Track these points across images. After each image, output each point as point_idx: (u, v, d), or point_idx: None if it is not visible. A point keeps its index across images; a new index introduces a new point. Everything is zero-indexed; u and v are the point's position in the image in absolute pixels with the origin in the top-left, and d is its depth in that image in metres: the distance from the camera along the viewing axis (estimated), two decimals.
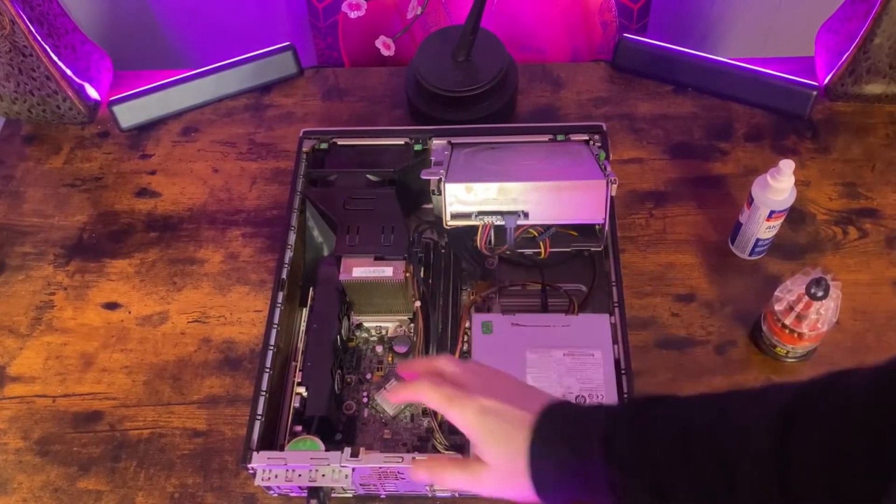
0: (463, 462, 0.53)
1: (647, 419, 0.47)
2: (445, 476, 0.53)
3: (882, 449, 0.36)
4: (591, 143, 0.83)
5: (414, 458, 0.65)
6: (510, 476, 0.49)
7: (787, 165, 0.76)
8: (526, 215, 0.74)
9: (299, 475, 0.65)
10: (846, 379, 0.41)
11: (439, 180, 0.74)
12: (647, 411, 0.47)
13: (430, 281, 0.81)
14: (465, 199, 0.74)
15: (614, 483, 0.45)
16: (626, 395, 0.68)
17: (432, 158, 0.80)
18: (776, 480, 0.40)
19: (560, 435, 0.48)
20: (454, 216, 0.75)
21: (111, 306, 0.88)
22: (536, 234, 0.78)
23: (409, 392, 0.55)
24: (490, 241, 0.77)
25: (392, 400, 0.60)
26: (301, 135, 0.87)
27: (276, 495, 0.73)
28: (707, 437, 0.44)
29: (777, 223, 0.81)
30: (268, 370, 0.72)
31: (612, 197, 0.74)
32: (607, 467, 0.45)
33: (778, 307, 0.73)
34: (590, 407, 0.51)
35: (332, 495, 0.72)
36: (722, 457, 0.42)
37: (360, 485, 0.70)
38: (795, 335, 0.73)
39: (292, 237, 0.80)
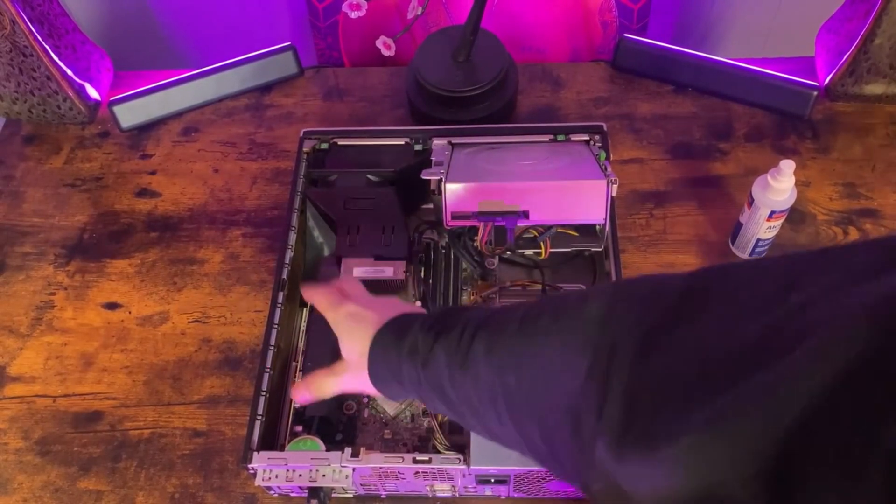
0: (330, 367, 0.59)
1: (439, 324, 0.50)
2: (316, 381, 0.59)
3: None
4: (592, 143, 0.83)
5: (415, 458, 0.65)
6: (360, 372, 0.55)
7: (788, 166, 0.76)
8: (526, 215, 0.74)
9: (300, 475, 0.65)
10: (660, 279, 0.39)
11: (439, 180, 0.74)
12: (443, 318, 0.50)
13: (430, 281, 0.81)
14: (465, 199, 0.74)
15: (410, 375, 0.50)
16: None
17: (432, 158, 0.80)
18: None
19: (390, 340, 0.53)
20: (454, 216, 0.75)
21: (111, 306, 0.88)
22: (537, 235, 0.78)
23: (307, 293, 0.63)
24: (490, 241, 0.77)
25: (305, 294, 0.64)
26: (301, 135, 0.87)
27: (276, 495, 0.73)
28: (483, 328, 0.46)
29: (777, 223, 0.81)
30: (268, 370, 0.72)
31: (612, 197, 0.74)
32: (406, 363, 0.50)
33: None
34: (418, 316, 0.55)
35: (333, 495, 0.72)
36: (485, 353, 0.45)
37: (361, 485, 0.70)
38: None
39: (293, 237, 0.80)
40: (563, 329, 0.41)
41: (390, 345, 0.52)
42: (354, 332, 0.56)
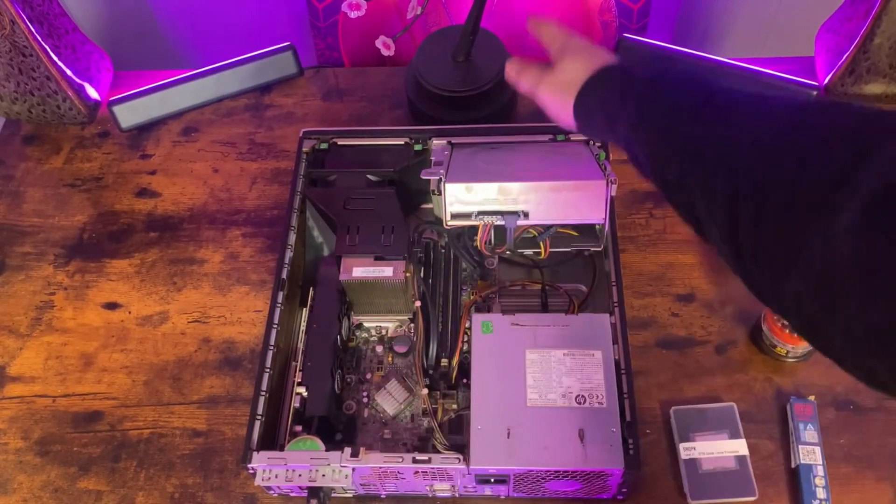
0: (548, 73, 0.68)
1: (662, 88, 0.55)
2: (532, 73, 0.70)
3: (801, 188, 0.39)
4: (591, 143, 0.83)
5: (415, 458, 0.65)
6: (564, 104, 0.64)
7: None
8: (526, 215, 0.74)
9: (299, 475, 0.65)
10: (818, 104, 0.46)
11: (439, 180, 0.74)
12: (661, 83, 0.55)
13: (430, 281, 0.81)
14: (465, 199, 0.74)
15: (629, 142, 0.56)
16: (626, 395, 0.68)
17: (432, 158, 0.80)
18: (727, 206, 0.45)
19: (599, 94, 0.61)
20: (454, 216, 0.75)
21: (111, 306, 0.88)
22: (536, 234, 0.78)
23: (514, 68, 0.72)
24: (490, 241, 0.77)
25: (508, 71, 0.73)
26: (301, 135, 0.87)
27: (276, 495, 0.73)
28: (704, 125, 0.49)
29: None
30: (268, 370, 0.72)
31: (612, 197, 0.74)
32: (624, 131, 0.56)
33: None
34: (626, 71, 0.60)
35: (332, 495, 0.72)
36: (705, 162, 0.48)
37: (361, 485, 0.70)
38: (796, 335, 0.73)
39: (292, 237, 0.80)
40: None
41: (603, 88, 0.60)
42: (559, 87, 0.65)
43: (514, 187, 0.73)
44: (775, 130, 0.44)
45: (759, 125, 0.45)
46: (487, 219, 0.74)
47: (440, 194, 0.75)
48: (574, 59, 0.65)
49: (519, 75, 0.71)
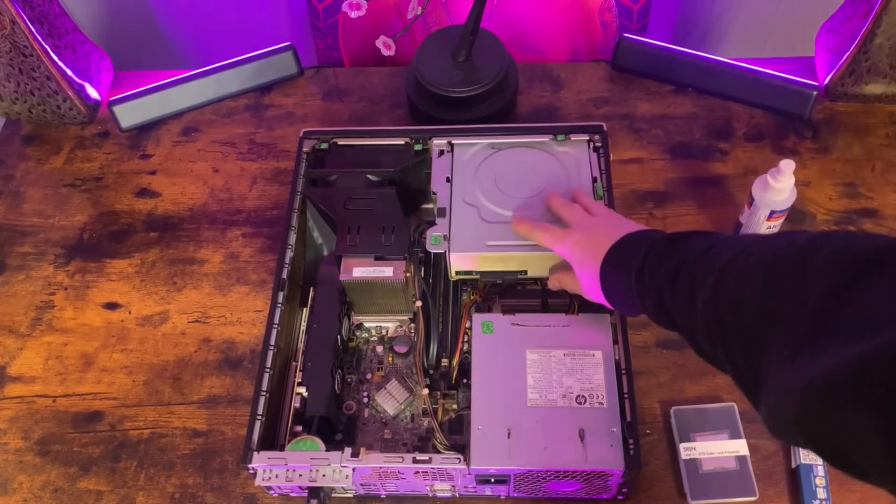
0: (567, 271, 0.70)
1: (664, 256, 0.58)
2: (567, 279, 0.70)
3: (769, 302, 0.44)
4: (591, 144, 0.83)
5: (415, 458, 0.65)
6: (594, 286, 0.65)
7: (788, 165, 0.76)
8: (525, 272, 0.77)
9: (300, 475, 0.65)
10: (780, 239, 0.48)
11: (444, 252, 0.76)
12: (668, 248, 0.58)
13: (431, 281, 0.81)
14: (468, 261, 0.76)
15: (640, 295, 0.59)
16: (626, 395, 0.68)
17: (435, 199, 0.80)
18: (713, 325, 0.50)
19: (615, 264, 0.63)
20: (458, 273, 0.78)
21: (111, 306, 0.88)
22: None
23: (526, 228, 0.72)
24: None
25: (516, 226, 0.73)
26: (301, 135, 0.87)
27: (276, 495, 0.73)
28: (690, 270, 0.54)
29: (777, 223, 0.81)
30: (268, 370, 0.72)
31: (612, 199, 0.74)
32: (635, 284, 0.59)
33: None
34: (644, 235, 0.63)
35: (333, 495, 0.72)
36: (692, 294, 0.52)
37: (361, 485, 0.70)
38: None
39: (292, 237, 0.80)
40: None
41: (618, 270, 0.62)
42: (585, 258, 0.65)
43: (514, 257, 0.75)
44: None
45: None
46: (489, 277, 0.77)
47: (444, 217, 0.78)
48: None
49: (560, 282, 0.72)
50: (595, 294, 0.66)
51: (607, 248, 0.63)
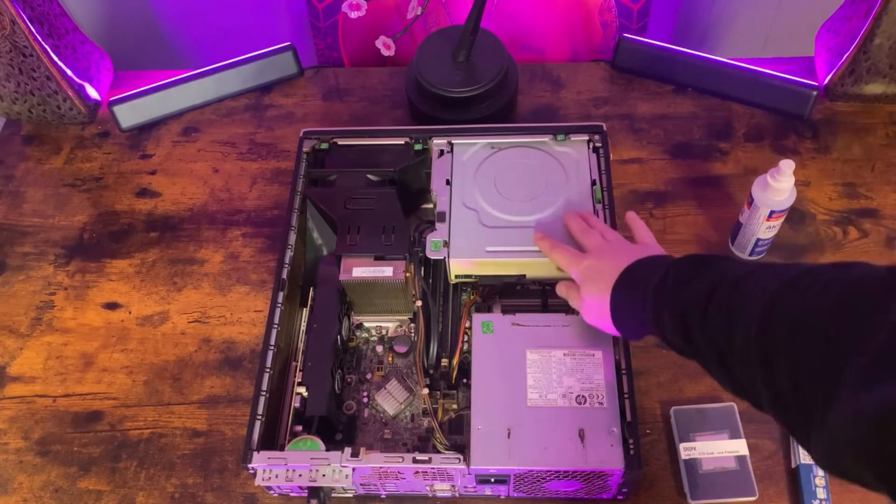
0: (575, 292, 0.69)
1: (692, 274, 0.57)
2: (572, 294, 0.70)
3: (838, 335, 0.42)
4: (591, 143, 0.83)
5: (415, 457, 0.65)
6: (601, 313, 0.65)
7: (788, 165, 0.76)
8: (524, 276, 0.77)
9: (300, 475, 0.65)
10: (827, 273, 0.47)
11: (444, 258, 0.76)
12: (696, 268, 0.57)
13: (430, 281, 0.81)
14: (467, 265, 0.76)
15: (656, 310, 0.58)
16: (626, 395, 0.68)
17: (434, 197, 0.80)
18: (757, 358, 0.48)
19: (630, 283, 0.62)
20: (458, 276, 0.78)
21: (111, 306, 0.88)
22: None
23: (546, 246, 0.73)
24: None
25: (537, 242, 0.74)
26: (301, 135, 0.87)
27: (276, 495, 0.73)
28: (728, 292, 0.52)
29: (777, 223, 0.81)
30: (268, 370, 0.72)
31: (612, 199, 0.74)
32: (653, 310, 0.58)
33: None
34: (659, 260, 0.63)
35: (333, 495, 0.72)
36: (730, 322, 0.51)
37: (361, 485, 0.70)
38: None
39: (292, 237, 0.80)
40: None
41: (633, 287, 0.61)
42: (595, 283, 0.65)
43: (514, 264, 0.75)
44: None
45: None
46: (488, 282, 0.78)
47: (444, 222, 0.78)
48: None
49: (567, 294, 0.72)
50: (593, 319, 0.67)
51: (620, 272, 0.63)
